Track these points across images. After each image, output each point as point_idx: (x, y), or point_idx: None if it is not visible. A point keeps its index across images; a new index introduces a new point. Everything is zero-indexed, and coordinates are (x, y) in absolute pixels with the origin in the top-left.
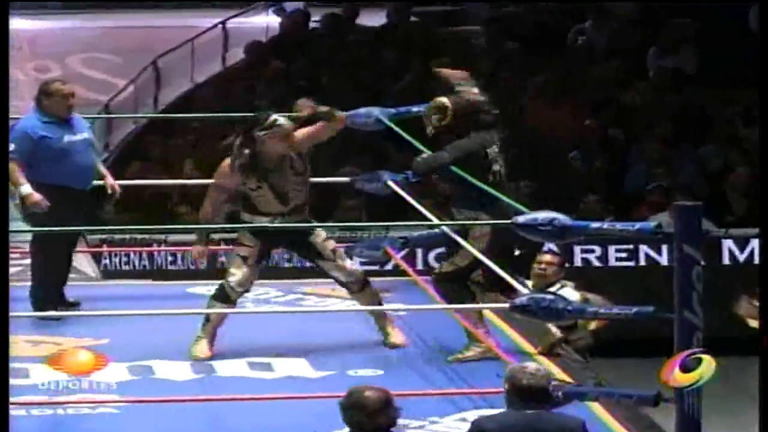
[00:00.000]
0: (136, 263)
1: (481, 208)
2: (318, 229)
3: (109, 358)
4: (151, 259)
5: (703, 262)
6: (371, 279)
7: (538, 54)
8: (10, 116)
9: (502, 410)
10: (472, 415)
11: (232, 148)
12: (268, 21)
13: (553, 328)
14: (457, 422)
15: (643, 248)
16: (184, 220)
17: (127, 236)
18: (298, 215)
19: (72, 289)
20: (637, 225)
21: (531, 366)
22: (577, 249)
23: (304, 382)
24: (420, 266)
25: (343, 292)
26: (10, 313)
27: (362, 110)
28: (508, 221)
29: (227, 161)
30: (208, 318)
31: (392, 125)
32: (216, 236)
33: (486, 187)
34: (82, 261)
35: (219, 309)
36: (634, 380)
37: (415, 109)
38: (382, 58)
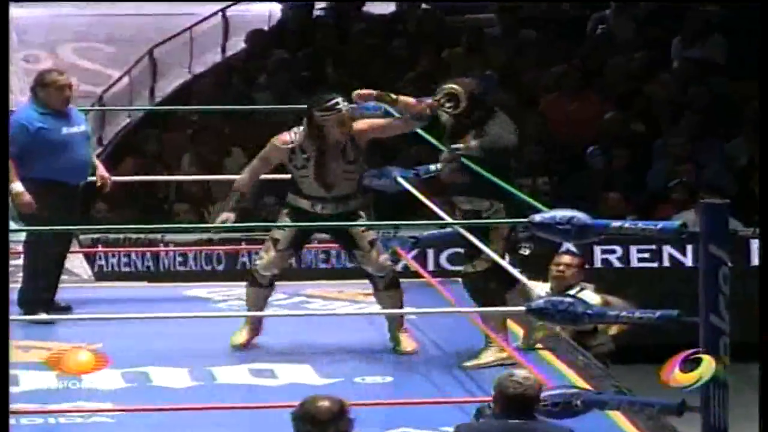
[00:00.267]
0: (132, 264)
1: (494, 196)
2: (361, 219)
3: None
4: (147, 260)
5: (730, 264)
6: None
7: (556, 44)
8: None
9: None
10: None
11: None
12: (270, 9)
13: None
14: None
15: (667, 248)
16: (181, 218)
17: (122, 236)
18: (341, 204)
19: (64, 292)
20: (661, 224)
21: (520, 374)
22: (597, 249)
23: (308, 390)
24: (431, 267)
25: (351, 294)
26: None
27: (370, 103)
28: (525, 219)
29: (282, 135)
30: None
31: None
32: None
33: (495, 179)
34: (74, 262)
35: (252, 296)
36: (655, 388)
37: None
38: (391, 48)
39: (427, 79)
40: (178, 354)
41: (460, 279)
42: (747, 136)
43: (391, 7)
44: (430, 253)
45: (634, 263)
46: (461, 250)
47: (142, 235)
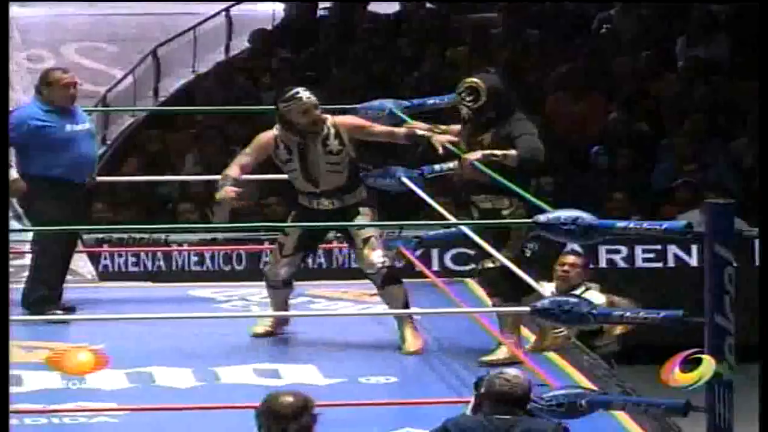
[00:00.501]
0: (136, 264)
1: (515, 195)
2: (360, 214)
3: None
4: (152, 260)
5: (735, 264)
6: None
7: (561, 43)
8: None
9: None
10: None
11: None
12: (274, 8)
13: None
14: None
15: (672, 248)
16: (185, 219)
17: (126, 236)
18: (336, 199)
19: (68, 292)
20: (666, 224)
21: (510, 372)
22: (602, 249)
23: (312, 390)
24: (436, 267)
25: (355, 294)
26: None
27: (375, 102)
28: (530, 220)
29: (266, 132)
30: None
31: (407, 118)
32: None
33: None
34: (78, 262)
35: (272, 296)
36: (660, 388)
37: (430, 101)
38: (396, 48)
39: (431, 79)
40: (182, 354)
41: (473, 277)
42: (752, 136)
43: (395, 7)
44: (435, 253)
45: (639, 263)
46: (466, 250)
47: (146, 235)
